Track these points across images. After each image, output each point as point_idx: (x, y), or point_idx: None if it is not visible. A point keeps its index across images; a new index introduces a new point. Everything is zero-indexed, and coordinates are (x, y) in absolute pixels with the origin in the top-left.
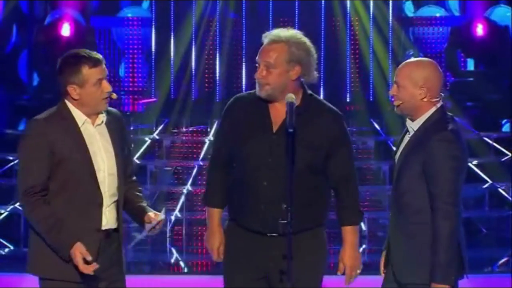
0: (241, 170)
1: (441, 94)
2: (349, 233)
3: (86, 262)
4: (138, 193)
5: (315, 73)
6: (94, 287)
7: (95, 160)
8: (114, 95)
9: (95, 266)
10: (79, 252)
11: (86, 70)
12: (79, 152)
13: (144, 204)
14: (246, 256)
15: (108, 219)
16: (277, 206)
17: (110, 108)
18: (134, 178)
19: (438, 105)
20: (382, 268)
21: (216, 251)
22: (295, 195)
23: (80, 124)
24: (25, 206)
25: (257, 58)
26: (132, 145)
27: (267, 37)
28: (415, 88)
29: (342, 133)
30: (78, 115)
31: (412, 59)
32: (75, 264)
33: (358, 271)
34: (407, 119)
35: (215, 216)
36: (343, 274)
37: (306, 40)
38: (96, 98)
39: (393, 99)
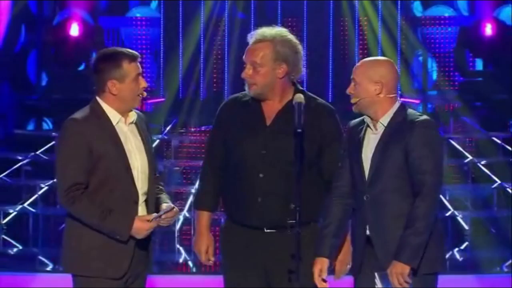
0: (236, 166)
1: (399, 92)
2: None
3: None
4: (159, 186)
5: (303, 70)
6: (121, 286)
7: (129, 157)
8: (144, 93)
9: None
10: (141, 221)
11: (126, 65)
12: (115, 149)
13: (163, 196)
14: (244, 253)
15: None
16: (273, 199)
17: (137, 111)
18: (158, 175)
19: (400, 101)
20: (322, 275)
21: (204, 253)
22: (292, 189)
23: (114, 122)
24: (71, 201)
25: (243, 57)
26: None
27: (252, 36)
28: (370, 84)
29: (335, 127)
30: (112, 114)
31: (368, 58)
32: (139, 234)
33: (348, 266)
34: (367, 118)
35: (203, 218)
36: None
37: (292, 37)
38: (133, 93)
39: (351, 98)
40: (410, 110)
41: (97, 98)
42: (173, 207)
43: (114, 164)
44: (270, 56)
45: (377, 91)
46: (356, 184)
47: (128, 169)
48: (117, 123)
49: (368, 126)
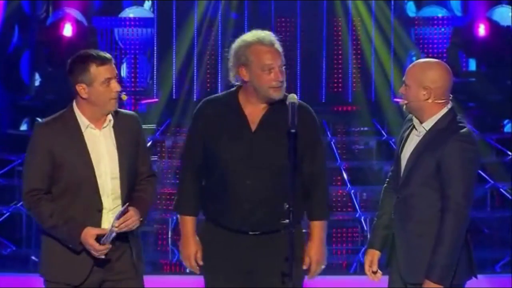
0: (221, 173)
1: (450, 95)
2: (317, 227)
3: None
4: (139, 193)
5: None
6: None
7: (97, 164)
8: (124, 96)
9: (108, 246)
10: (90, 235)
11: (93, 69)
12: (79, 156)
13: (137, 202)
14: (227, 255)
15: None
16: (262, 205)
17: (124, 111)
18: (149, 177)
19: (449, 106)
20: (372, 267)
21: (193, 259)
22: (277, 193)
23: (83, 129)
24: (29, 205)
25: (266, 62)
26: None
27: (263, 39)
28: (419, 89)
29: (315, 129)
30: (82, 120)
31: (422, 59)
32: (89, 251)
33: (323, 266)
34: (414, 118)
35: (189, 224)
36: (308, 268)
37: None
38: (104, 97)
39: (401, 98)
40: (458, 118)
41: (73, 102)
42: (126, 212)
43: (76, 172)
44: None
45: (425, 96)
46: (394, 180)
47: (92, 177)
48: (86, 128)
49: (414, 126)
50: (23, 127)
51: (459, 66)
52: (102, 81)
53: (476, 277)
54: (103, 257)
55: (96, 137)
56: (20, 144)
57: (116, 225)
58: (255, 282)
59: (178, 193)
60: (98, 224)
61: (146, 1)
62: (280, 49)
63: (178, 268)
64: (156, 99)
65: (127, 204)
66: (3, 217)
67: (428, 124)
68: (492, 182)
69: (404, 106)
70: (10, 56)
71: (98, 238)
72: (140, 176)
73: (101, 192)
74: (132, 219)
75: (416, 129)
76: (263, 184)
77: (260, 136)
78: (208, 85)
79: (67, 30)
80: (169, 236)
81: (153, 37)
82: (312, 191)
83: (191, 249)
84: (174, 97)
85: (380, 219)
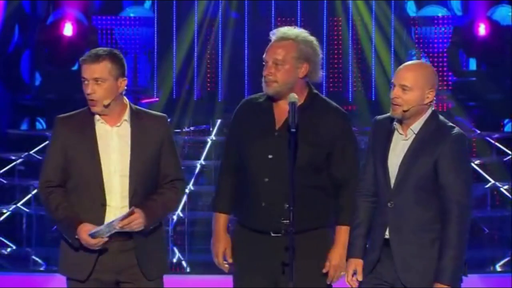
0: (245, 170)
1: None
2: (339, 232)
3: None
4: (155, 196)
5: (321, 72)
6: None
7: (106, 160)
8: (90, 100)
9: (102, 240)
10: (84, 230)
11: (81, 67)
12: (88, 152)
13: (148, 205)
14: (253, 258)
15: None
16: (278, 204)
17: (154, 112)
18: (173, 181)
19: (433, 107)
20: (358, 277)
21: (221, 256)
22: (298, 194)
23: (96, 122)
24: (41, 197)
25: (264, 56)
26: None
27: (274, 34)
28: (423, 92)
29: (346, 132)
30: (96, 115)
31: (413, 61)
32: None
33: (342, 273)
34: (396, 123)
35: (221, 221)
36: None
37: (313, 38)
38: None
39: (396, 103)
40: (441, 118)
41: None
42: (132, 214)
43: (84, 167)
44: (293, 54)
45: (429, 99)
46: (378, 186)
47: (97, 174)
48: (97, 122)
49: (394, 130)
50: (23, 126)
51: (459, 66)
52: (82, 80)
53: (466, 275)
54: (97, 247)
55: (108, 133)
56: (20, 144)
57: (120, 225)
58: (280, 284)
59: (215, 191)
60: (101, 218)
61: (147, 1)
62: (288, 42)
63: (178, 268)
64: (156, 99)
65: (133, 207)
66: (4, 217)
67: (416, 126)
68: (492, 181)
69: (401, 113)
70: (11, 55)
71: (93, 233)
72: (164, 178)
73: (106, 189)
74: (136, 222)
75: (400, 133)
76: (281, 183)
77: (282, 136)
78: (208, 84)
79: (68, 30)
80: (170, 235)
81: (153, 36)
82: (339, 196)
83: (220, 246)
84: (174, 97)
85: (358, 229)
